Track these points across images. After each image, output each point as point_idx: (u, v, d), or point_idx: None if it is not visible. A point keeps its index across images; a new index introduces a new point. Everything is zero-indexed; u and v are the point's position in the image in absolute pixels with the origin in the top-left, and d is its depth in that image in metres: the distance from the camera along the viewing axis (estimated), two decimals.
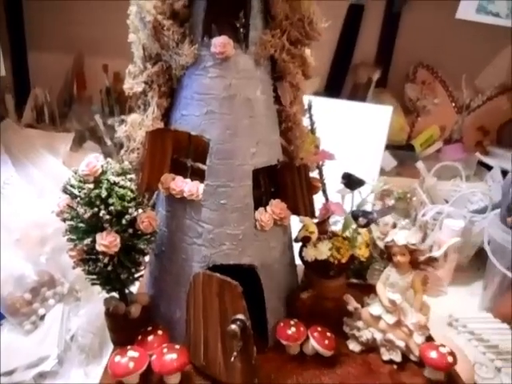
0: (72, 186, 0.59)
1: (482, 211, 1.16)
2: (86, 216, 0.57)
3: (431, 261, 0.66)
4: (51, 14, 1.76)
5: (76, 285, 0.90)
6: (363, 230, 0.71)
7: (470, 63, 1.58)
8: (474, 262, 1.14)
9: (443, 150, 1.60)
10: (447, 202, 1.31)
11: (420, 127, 1.61)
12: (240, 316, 0.59)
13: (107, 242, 0.57)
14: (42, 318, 0.84)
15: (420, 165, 1.50)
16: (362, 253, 0.72)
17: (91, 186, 0.59)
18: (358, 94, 1.65)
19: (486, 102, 1.59)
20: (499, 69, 1.62)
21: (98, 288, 0.66)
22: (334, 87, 1.71)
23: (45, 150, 1.36)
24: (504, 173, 1.29)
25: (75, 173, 0.61)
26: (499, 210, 0.99)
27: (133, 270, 0.65)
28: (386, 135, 1.13)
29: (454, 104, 1.61)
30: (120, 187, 0.60)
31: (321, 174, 0.72)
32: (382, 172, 1.51)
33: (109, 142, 1.52)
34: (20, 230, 1.06)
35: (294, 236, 0.74)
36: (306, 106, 0.70)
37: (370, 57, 1.68)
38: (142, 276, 0.67)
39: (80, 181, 0.59)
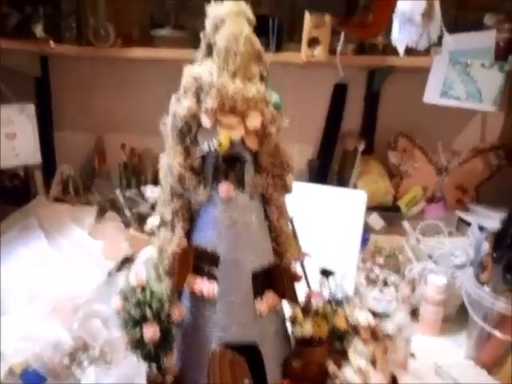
0: (125, 293, 0.90)
1: (463, 266, 1.36)
2: (136, 315, 0.88)
3: (387, 335, 0.95)
4: (75, 98, 2.09)
5: (105, 348, 1.05)
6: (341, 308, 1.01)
7: (445, 129, 1.89)
8: (462, 313, 1.26)
9: (427, 209, 1.88)
10: (432, 257, 1.58)
11: (404, 189, 1.89)
12: (246, 381, 0.88)
13: (151, 332, 0.87)
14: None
15: (406, 224, 1.79)
16: (341, 324, 1.01)
17: (139, 292, 0.89)
18: (347, 159, 1.95)
19: (463, 163, 1.86)
20: (472, 133, 1.92)
21: (124, 352, 0.93)
22: (325, 154, 2.02)
23: (72, 223, 1.61)
24: (482, 229, 1.48)
25: (127, 282, 0.91)
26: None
27: (166, 348, 0.94)
28: (362, 218, 1.43)
29: (433, 167, 1.89)
30: (158, 292, 0.90)
31: (303, 267, 1.03)
32: (372, 231, 1.81)
33: (128, 213, 1.80)
34: (55, 300, 1.25)
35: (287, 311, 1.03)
36: (289, 221, 1.01)
37: (356, 126, 1.99)
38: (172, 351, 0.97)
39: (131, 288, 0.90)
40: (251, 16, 0.88)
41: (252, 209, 0.93)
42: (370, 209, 1.73)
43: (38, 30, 1.77)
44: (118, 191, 1.86)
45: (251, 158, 0.93)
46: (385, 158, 1.94)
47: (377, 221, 1.83)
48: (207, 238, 0.93)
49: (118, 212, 1.74)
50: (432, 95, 1.66)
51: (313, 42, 1.59)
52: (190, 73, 0.86)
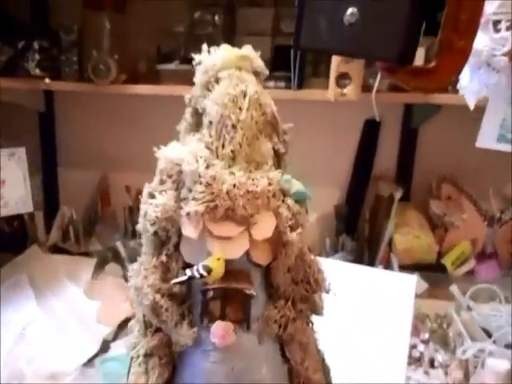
0: None
1: None
2: None
3: None
4: (80, 134, 1.82)
5: None
6: None
7: (497, 174, 1.48)
8: None
9: (477, 269, 1.48)
10: (487, 332, 1.20)
11: (449, 244, 1.50)
12: None
13: None
14: None
15: (454, 289, 1.40)
16: None
17: None
18: (380, 206, 1.57)
19: None
20: None
21: None
22: (355, 199, 1.64)
23: (67, 279, 1.37)
24: None
25: None
26: None
27: None
28: (411, 308, 1.04)
29: (483, 217, 1.50)
30: None
31: None
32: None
33: (130, 267, 1.49)
34: (37, 379, 1.04)
35: None
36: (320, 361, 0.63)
37: (390, 168, 1.60)
38: None
39: None
40: (260, 65, 0.51)
41: (262, 358, 0.57)
42: (410, 268, 1.36)
43: (32, 66, 1.46)
44: (119, 243, 1.56)
45: (261, 279, 0.56)
46: (424, 206, 1.55)
47: (419, 283, 1.43)
48: None
49: (121, 264, 1.50)
50: (487, 139, 1.25)
51: (342, 78, 1.21)
52: (166, 156, 0.50)
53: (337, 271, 0.88)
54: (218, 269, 0.50)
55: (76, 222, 1.70)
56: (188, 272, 0.51)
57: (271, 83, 1.28)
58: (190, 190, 0.50)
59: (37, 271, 1.40)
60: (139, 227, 0.56)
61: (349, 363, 0.81)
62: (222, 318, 0.54)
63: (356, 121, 1.54)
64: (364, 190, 1.60)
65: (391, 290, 1.02)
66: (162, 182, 0.54)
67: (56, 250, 1.61)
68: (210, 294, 0.52)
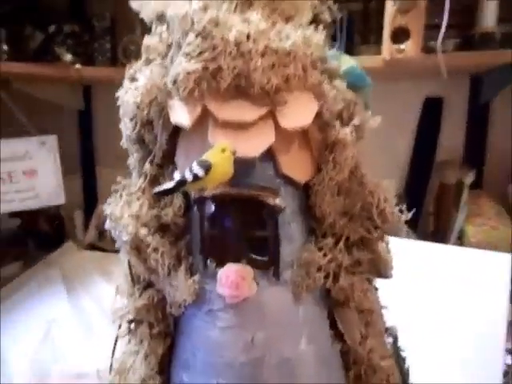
0: None
1: None
2: None
3: None
4: (119, 133, 1.72)
5: None
6: None
7: None
8: None
9: None
10: None
11: None
12: None
13: None
14: None
15: None
16: None
17: None
18: (447, 196, 1.30)
19: None
20: None
21: None
22: (415, 189, 1.39)
23: (98, 275, 1.28)
24: None
25: None
26: None
27: None
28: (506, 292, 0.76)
29: None
30: None
31: None
32: None
33: None
34: (63, 378, 0.92)
35: None
36: (391, 338, 0.40)
37: (456, 152, 1.34)
38: None
39: None
40: None
41: (299, 324, 0.35)
42: None
43: (63, 51, 1.37)
44: None
45: (297, 203, 0.35)
46: (501, 194, 1.27)
47: None
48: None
49: None
50: None
51: (399, 33, 0.99)
52: (148, 7, 0.31)
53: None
54: (222, 166, 0.30)
55: None
56: (177, 176, 0.31)
57: None
58: (178, 51, 0.31)
59: (70, 267, 1.32)
60: (123, 133, 0.38)
61: (430, 359, 0.56)
62: (236, 257, 0.33)
63: (414, 99, 1.31)
64: (426, 178, 1.35)
65: (481, 272, 0.75)
66: (147, 62, 0.36)
67: (92, 248, 1.53)
68: (211, 209, 0.32)
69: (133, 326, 0.39)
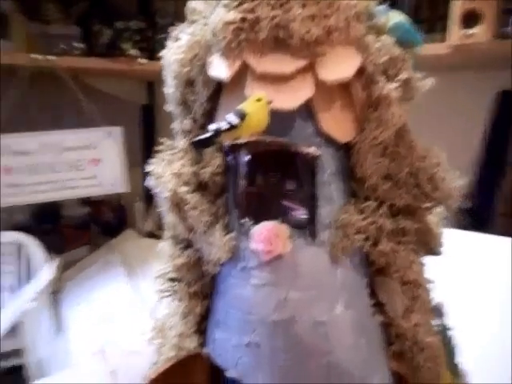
0: None
1: None
2: None
3: None
4: None
5: None
6: None
7: None
8: None
9: None
10: None
11: None
12: None
13: None
14: None
15: None
16: None
17: None
18: None
19: None
20: None
21: None
22: (485, 190, 1.29)
23: (156, 261, 1.36)
24: None
25: None
26: None
27: None
28: None
29: None
30: None
31: None
32: None
33: None
34: (117, 359, 0.93)
35: None
36: (436, 317, 0.38)
37: None
38: None
39: None
40: None
41: (335, 287, 0.34)
42: None
43: (128, 46, 1.44)
44: None
45: (337, 164, 0.34)
46: None
47: None
48: (227, 348, 0.36)
49: None
50: None
51: (468, 20, 0.93)
52: None
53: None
54: (257, 115, 0.30)
55: None
56: (212, 126, 0.31)
57: None
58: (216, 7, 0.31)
59: (129, 253, 1.36)
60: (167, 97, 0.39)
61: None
62: (271, 214, 0.33)
63: (486, 91, 1.22)
64: (498, 178, 1.26)
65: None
66: (191, 23, 0.36)
67: (151, 236, 1.58)
68: (244, 159, 0.32)
69: (173, 284, 0.40)
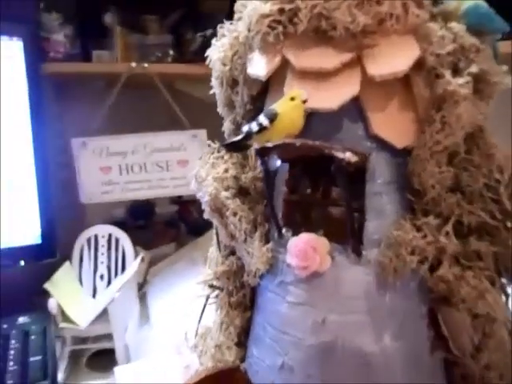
0: None
1: None
2: None
3: None
4: None
5: None
6: None
7: None
8: None
9: None
10: None
11: None
12: None
13: None
14: None
15: None
16: None
17: None
18: None
19: None
20: None
21: None
22: None
23: None
24: None
25: None
26: None
27: None
28: None
29: None
30: None
31: None
32: None
33: None
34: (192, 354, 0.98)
35: None
36: None
37: None
38: None
39: None
40: None
41: (384, 312, 0.29)
42: None
43: None
44: None
45: (392, 173, 0.29)
46: None
47: None
48: (262, 367, 0.33)
49: None
50: None
51: None
52: None
53: None
54: (290, 115, 0.27)
55: None
56: (245, 128, 0.29)
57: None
58: None
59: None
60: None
61: None
62: (312, 226, 0.29)
63: None
64: None
65: None
66: (238, 19, 0.34)
67: None
68: (275, 164, 0.29)
69: (214, 291, 0.39)
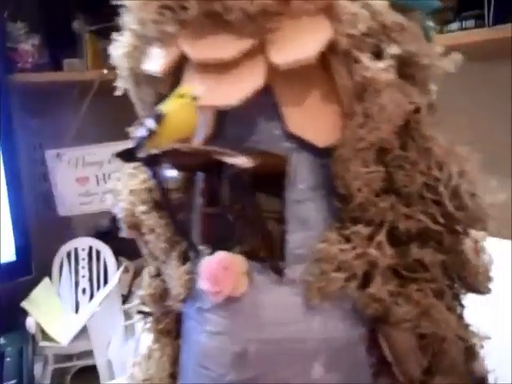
0: None
1: None
2: None
3: None
4: None
5: None
6: None
7: None
8: None
9: None
10: None
11: None
12: None
13: None
14: None
15: None
16: None
17: None
18: None
19: None
20: None
21: None
22: None
23: None
24: None
25: None
26: None
27: None
28: None
29: None
30: None
31: None
32: None
33: None
34: None
35: None
36: None
37: None
38: None
39: None
40: None
41: (313, 340, 0.24)
42: None
43: None
44: None
45: (316, 176, 0.25)
46: None
47: None
48: None
49: None
50: None
51: None
52: None
53: None
54: (179, 115, 0.23)
55: None
56: (137, 133, 0.25)
57: (454, 25, 0.85)
58: None
59: None
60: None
61: None
62: (227, 243, 0.25)
63: None
64: None
65: None
66: None
67: None
68: (167, 174, 0.25)
69: (144, 318, 0.35)
